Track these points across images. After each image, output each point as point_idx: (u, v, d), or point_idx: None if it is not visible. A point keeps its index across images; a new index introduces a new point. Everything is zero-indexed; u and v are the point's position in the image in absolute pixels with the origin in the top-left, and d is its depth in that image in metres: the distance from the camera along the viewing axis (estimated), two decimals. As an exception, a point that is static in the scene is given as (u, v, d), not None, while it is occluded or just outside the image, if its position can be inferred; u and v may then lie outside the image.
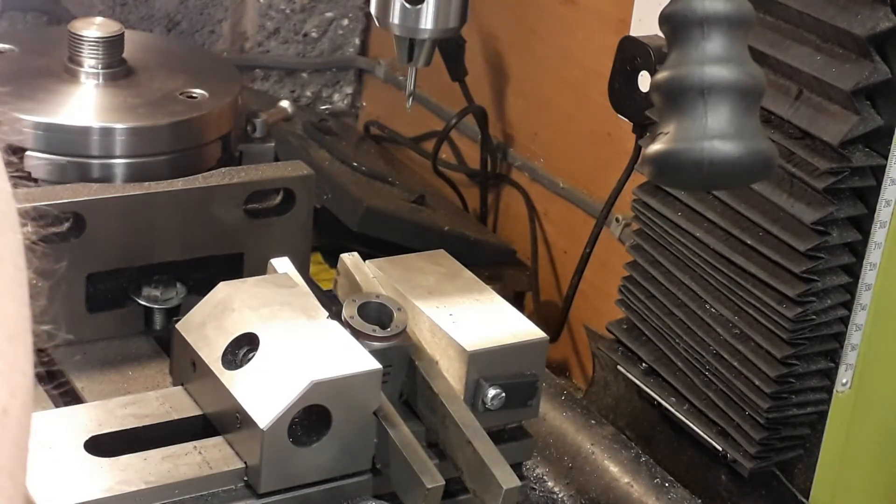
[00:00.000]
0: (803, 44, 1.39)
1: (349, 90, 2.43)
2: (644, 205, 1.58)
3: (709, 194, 1.49)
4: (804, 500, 1.48)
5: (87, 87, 1.50)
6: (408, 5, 1.22)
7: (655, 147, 1.01)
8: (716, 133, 0.99)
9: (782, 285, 1.41)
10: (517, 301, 2.01)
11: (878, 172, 1.37)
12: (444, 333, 1.25)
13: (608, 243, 1.79)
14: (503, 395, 1.25)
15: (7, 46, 1.55)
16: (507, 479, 1.16)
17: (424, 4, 1.22)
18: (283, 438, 1.13)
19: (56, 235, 1.36)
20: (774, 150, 1.02)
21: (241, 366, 1.17)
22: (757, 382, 1.45)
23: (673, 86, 1.01)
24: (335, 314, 1.22)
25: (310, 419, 1.14)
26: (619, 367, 1.63)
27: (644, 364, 1.60)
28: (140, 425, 1.18)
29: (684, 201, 1.53)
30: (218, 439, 1.18)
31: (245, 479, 1.15)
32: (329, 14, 2.36)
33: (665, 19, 1.01)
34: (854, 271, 1.41)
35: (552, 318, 1.94)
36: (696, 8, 0.99)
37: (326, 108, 2.41)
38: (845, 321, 1.43)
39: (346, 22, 2.38)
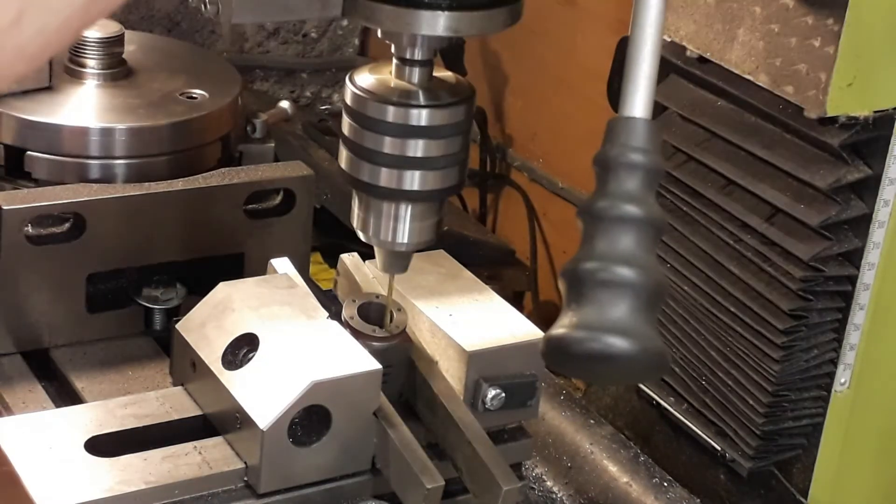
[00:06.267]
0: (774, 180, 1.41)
1: (349, 90, 2.43)
2: (643, 205, 1.57)
3: (709, 195, 1.49)
4: (803, 499, 1.48)
5: (87, 87, 1.50)
6: None
7: (554, 331, 1.01)
8: (614, 328, 0.98)
9: (782, 281, 1.41)
10: (517, 301, 2.01)
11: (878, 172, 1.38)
12: (444, 333, 1.25)
13: (607, 243, 1.79)
14: (503, 395, 1.25)
15: (7, 46, 1.55)
16: (507, 479, 1.15)
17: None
18: (283, 438, 1.13)
19: (56, 235, 1.37)
20: (667, 351, 1.01)
21: (241, 366, 1.17)
22: (756, 381, 1.45)
23: (577, 276, 1.01)
24: (335, 314, 1.22)
25: (310, 419, 1.14)
26: (618, 367, 1.63)
27: (643, 364, 1.60)
28: (140, 425, 1.18)
29: (681, 205, 1.53)
30: (218, 439, 1.18)
31: (245, 479, 1.15)
32: (329, 14, 2.36)
33: (582, 215, 1.01)
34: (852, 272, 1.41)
35: (552, 318, 1.92)
36: (609, 210, 0.99)
37: (326, 108, 2.41)
38: (843, 321, 1.43)
39: (345, 22, 2.38)
